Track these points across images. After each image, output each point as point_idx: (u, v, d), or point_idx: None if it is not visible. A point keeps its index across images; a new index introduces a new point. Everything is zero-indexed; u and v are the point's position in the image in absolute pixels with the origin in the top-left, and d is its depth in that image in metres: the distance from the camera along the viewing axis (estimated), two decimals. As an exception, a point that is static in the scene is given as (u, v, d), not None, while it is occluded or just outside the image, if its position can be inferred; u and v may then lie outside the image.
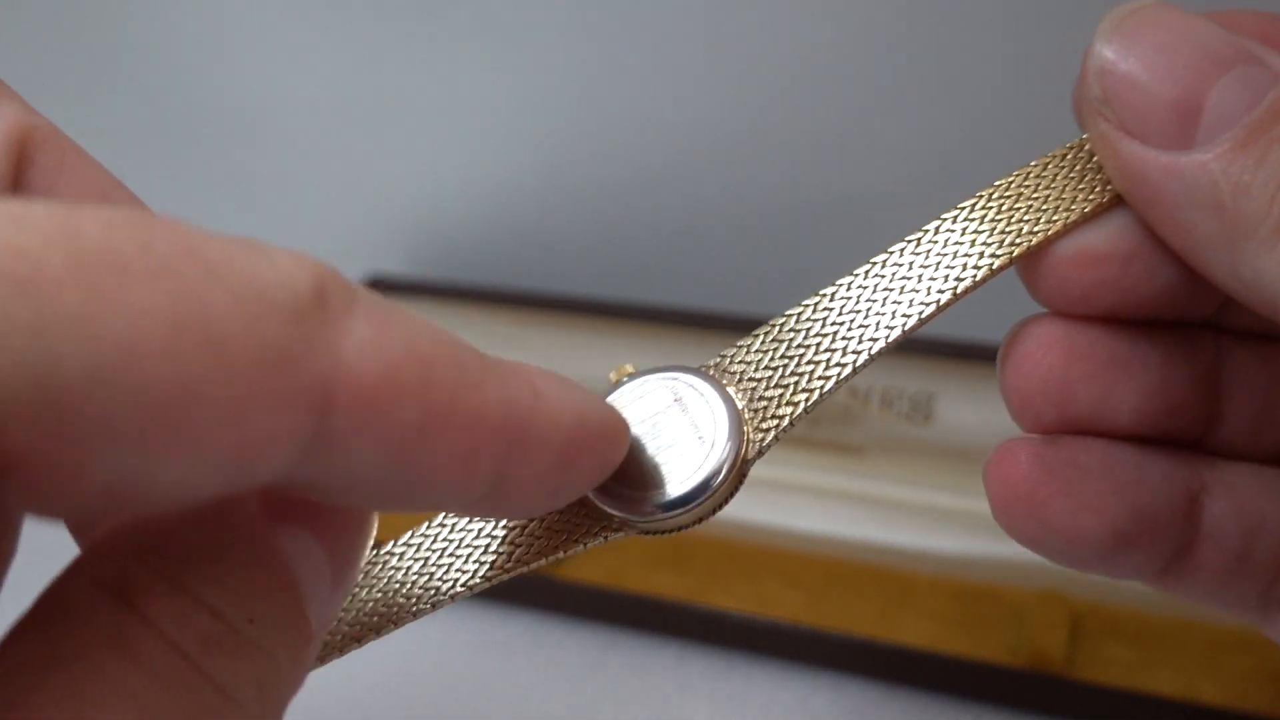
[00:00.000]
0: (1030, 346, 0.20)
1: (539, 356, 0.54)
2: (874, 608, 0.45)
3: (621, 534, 0.19)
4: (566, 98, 0.54)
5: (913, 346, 0.45)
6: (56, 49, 0.62)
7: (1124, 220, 0.19)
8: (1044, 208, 0.19)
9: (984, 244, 0.20)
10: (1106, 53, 0.18)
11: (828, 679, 0.43)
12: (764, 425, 0.20)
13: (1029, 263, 0.20)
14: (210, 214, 0.62)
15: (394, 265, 0.60)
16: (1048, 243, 0.19)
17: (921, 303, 0.20)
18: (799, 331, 0.20)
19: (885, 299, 0.20)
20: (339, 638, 0.19)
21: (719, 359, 0.20)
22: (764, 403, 0.20)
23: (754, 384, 0.20)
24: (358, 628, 0.19)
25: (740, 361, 0.20)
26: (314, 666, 0.16)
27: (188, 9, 0.59)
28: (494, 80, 0.55)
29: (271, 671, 0.14)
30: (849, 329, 0.20)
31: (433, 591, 0.19)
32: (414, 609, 0.19)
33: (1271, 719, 0.37)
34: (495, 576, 0.19)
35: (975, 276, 0.19)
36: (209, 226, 0.13)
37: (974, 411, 0.46)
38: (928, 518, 0.47)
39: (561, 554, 0.19)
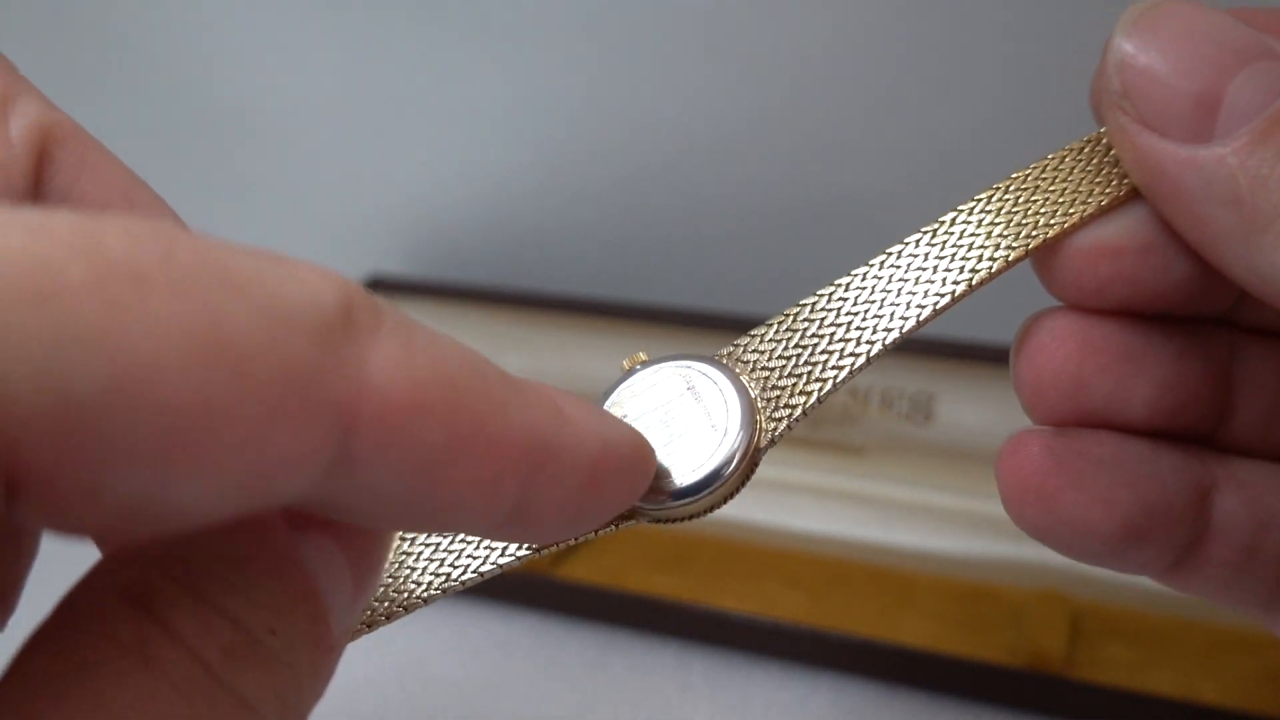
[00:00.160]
0: (1044, 339, 0.20)
1: (539, 356, 0.54)
2: (874, 608, 0.45)
3: (633, 521, 0.19)
4: (567, 98, 0.54)
5: (913, 346, 0.45)
6: (56, 49, 0.62)
7: (1140, 214, 0.19)
8: (1060, 200, 0.19)
9: (999, 236, 0.20)
10: (1126, 46, 0.18)
11: (828, 679, 0.43)
12: (777, 414, 0.20)
13: (1044, 255, 0.20)
14: (210, 214, 0.62)
15: (394, 265, 0.60)
16: (1064, 235, 0.19)
17: (936, 294, 0.20)
18: (813, 321, 0.20)
19: (900, 289, 0.20)
20: (355, 625, 0.19)
21: (732, 348, 0.20)
22: (777, 392, 0.20)
23: (767, 373, 0.20)
24: (369, 614, 0.19)
25: (753, 350, 0.20)
26: None
27: (188, 9, 0.59)
28: (494, 80, 0.55)
29: (293, 682, 0.14)
30: (863, 319, 0.20)
31: (444, 577, 0.19)
32: (425, 595, 0.19)
33: (1271, 719, 0.37)
34: (507, 562, 0.19)
35: (990, 268, 0.19)
36: (209, 227, 0.12)
37: (974, 411, 0.46)
38: (928, 518, 0.47)
39: (570, 540, 0.19)
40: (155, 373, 0.11)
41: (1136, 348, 0.20)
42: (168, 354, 0.11)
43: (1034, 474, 0.20)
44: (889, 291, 0.20)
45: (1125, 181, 0.19)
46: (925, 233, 0.20)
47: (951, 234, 0.20)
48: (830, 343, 0.20)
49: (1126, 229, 0.19)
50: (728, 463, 0.19)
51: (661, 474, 0.19)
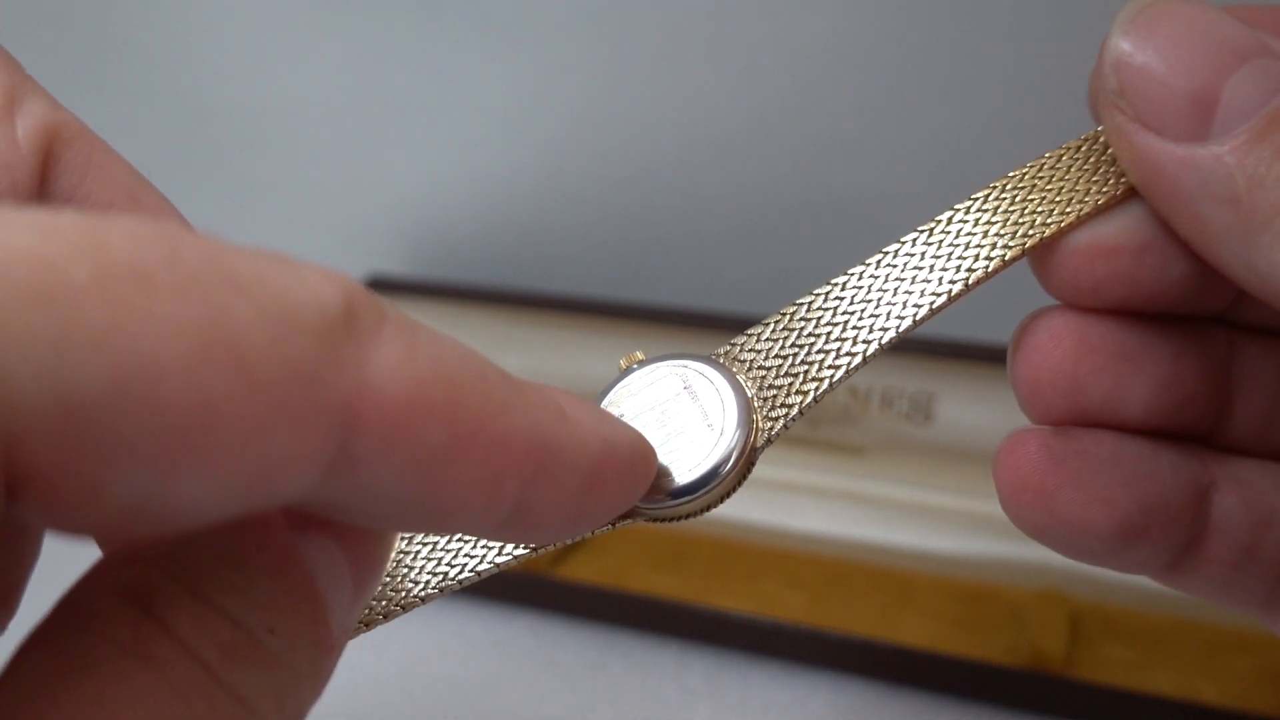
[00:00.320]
0: (1041, 338, 0.20)
1: (539, 356, 0.54)
2: (874, 608, 0.45)
3: (631, 521, 0.19)
4: (567, 98, 0.54)
5: (913, 346, 0.45)
6: (57, 49, 0.62)
7: (1138, 213, 0.19)
8: (1058, 199, 0.19)
9: (997, 235, 0.20)
10: (1123, 45, 0.18)
11: (828, 679, 0.43)
12: (773, 413, 0.20)
13: (1042, 254, 0.20)
14: (212, 214, 0.62)
15: (394, 265, 0.60)
16: (1061, 234, 0.19)
17: (933, 293, 0.20)
18: (809, 320, 0.20)
19: (897, 288, 0.20)
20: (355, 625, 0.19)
21: (729, 347, 0.20)
22: (773, 391, 0.20)
23: (764, 372, 0.20)
24: (367, 613, 0.19)
25: (750, 350, 0.20)
26: None
27: (189, 9, 0.59)
28: (494, 80, 0.55)
29: (291, 682, 0.14)
30: (860, 318, 0.20)
31: (441, 577, 0.19)
32: (423, 594, 0.19)
33: (1272, 719, 0.37)
34: (504, 562, 0.19)
35: (988, 267, 0.19)
36: (209, 227, 0.12)
37: (974, 411, 0.46)
38: (928, 518, 0.47)
39: (570, 539, 0.19)
40: (158, 372, 0.11)
41: (1134, 347, 0.20)
42: (170, 354, 0.11)
43: (1032, 473, 0.20)
44: (885, 291, 0.20)
45: (1123, 180, 0.19)
46: (922, 232, 0.20)
47: (948, 233, 0.20)
48: (827, 342, 0.20)
49: (1124, 228, 0.19)
50: (724, 461, 0.19)
51: (659, 473, 0.19)
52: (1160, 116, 0.18)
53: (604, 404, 0.20)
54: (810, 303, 0.20)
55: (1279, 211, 0.17)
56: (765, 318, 0.20)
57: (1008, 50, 0.46)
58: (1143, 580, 0.44)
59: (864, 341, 0.20)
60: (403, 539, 0.19)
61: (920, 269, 0.20)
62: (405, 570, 0.19)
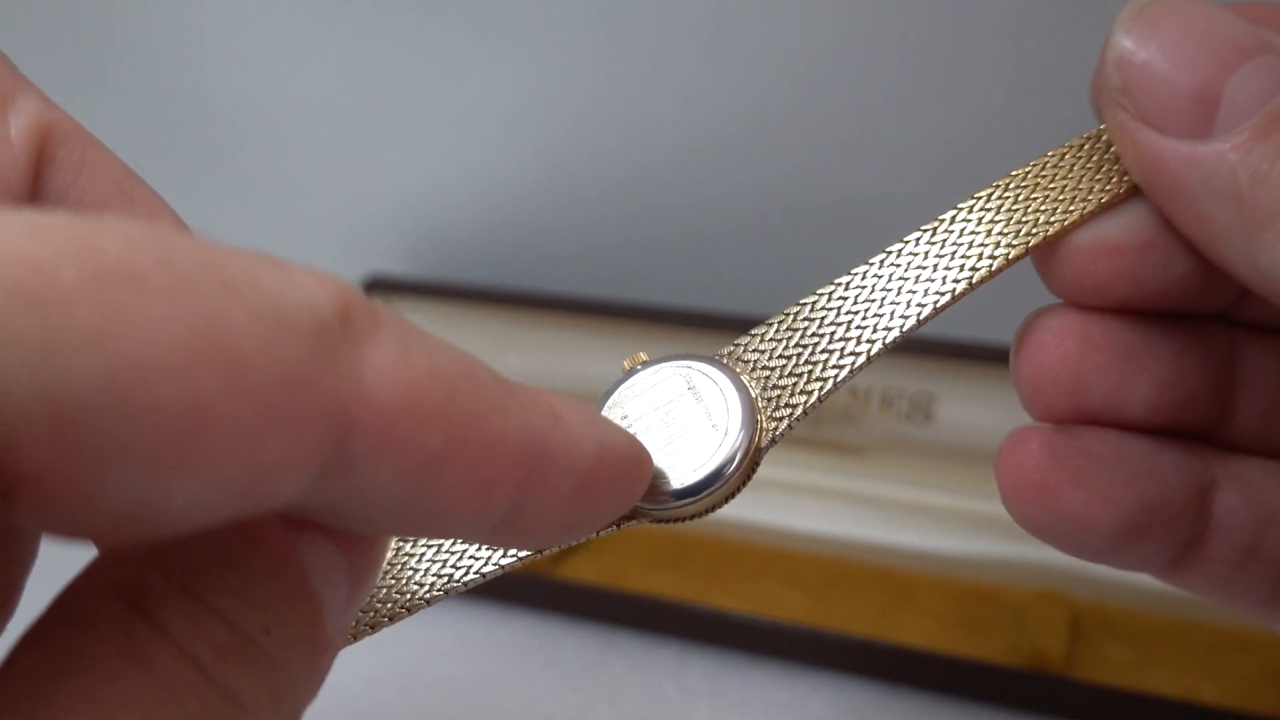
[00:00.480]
0: (1044, 336, 0.20)
1: (539, 356, 0.54)
2: (874, 608, 0.45)
3: (634, 522, 0.19)
4: (567, 98, 0.54)
5: (913, 346, 0.45)
6: (55, 49, 0.62)
7: (1141, 211, 0.19)
8: (1060, 198, 0.19)
9: (1000, 234, 0.20)
10: (1126, 42, 0.18)
11: (828, 679, 0.43)
12: (777, 414, 0.20)
13: (1045, 253, 0.20)
14: (211, 215, 0.62)
15: (394, 265, 0.60)
16: (1064, 233, 0.19)
17: (937, 292, 0.20)
18: (813, 320, 0.20)
19: (900, 288, 0.20)
20: (353, 624, 0.19)
21: (732, 347, 0.20)
22: (777, 391, 0.20)
23: (767, 372, 0.20)
24: (371, 614, 0.19)
25: (754, 350, 0.20)
26: None
27: (189, 9, 0.59)
28: (494, 80, 0.55)
29: (286, 682, 0.14)
30: (863, 318, 0.20)
31: (446, 578, 0.19)
32: (428, 595, 0.19)
33: (1272, 719, 0.37)
34: (509, 563, 0.19)
35: (991, 266, 0.19)
36: (209, 228, 0.12)
37: (974, 411, 0.46)
38: (928, 518, 0.47)
39: (568, 544, 0.19)
40: (150, 374, 0.11)
41: (1137, 345, 0.20)
42: (162, 356, 0.11)
43: (1034, 470, 0.20)
44: (889, 290, 0.20)
45: (1125, 178, 0.19)
46: (925, 231, 0.20)
47: (952, 232, 0.20)
48: (830, 342, 0.20)
49: (1127, 226, 0.19)
50: (729, 462, 0.19)
51: (662, 474, 0.19)
52: (1163, 114, 0.18)
53: (608, 404, 0.20)
54: (814, 302, 0.20)
55: None
56: (766, 318, 0.20)
57: (1008, 50, 0.46)
58: (1143, 580, 0.44)
59: (868, 341, 0.20)
60: (404, 540, 0.19)
61: (924, 268, 0.20)
62: (410, 572, 0.19)
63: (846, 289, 0.20)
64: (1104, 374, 0.20)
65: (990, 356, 0.45)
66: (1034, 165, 0.20)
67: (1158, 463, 0.20)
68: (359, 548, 0.16)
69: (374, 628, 0.19)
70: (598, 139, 0.54)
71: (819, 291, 0.20)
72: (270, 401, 0.11)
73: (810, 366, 0.20)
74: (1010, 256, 0.19)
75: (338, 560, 0.15)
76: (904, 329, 0.20)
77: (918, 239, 0.20)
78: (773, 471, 0.49)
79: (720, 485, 0.19)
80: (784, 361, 0.20)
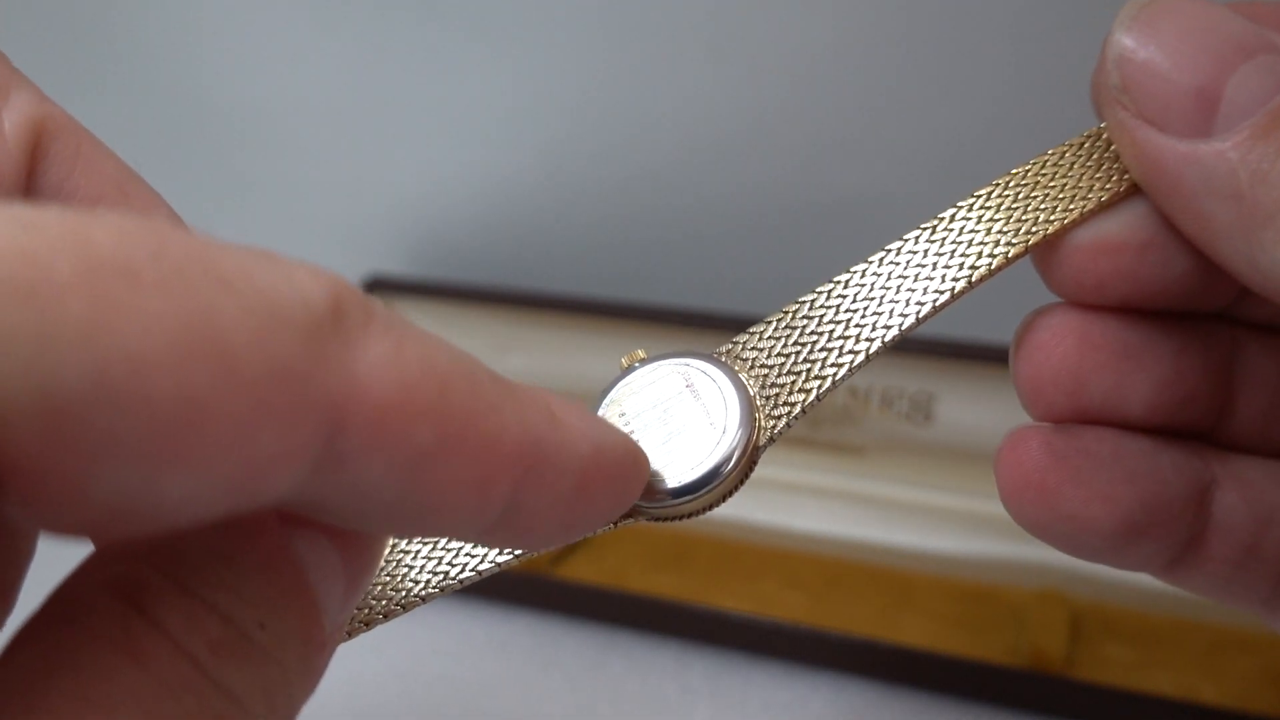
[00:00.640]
0: (1043, 335, 0.20)
1: (539, 356, 0.54)
2: (874, 608, 0.45)
3: (631, 520, 0.19)
4: (567, 98, 0.54)
5: (913, 346, 0.45)
6: (54, 49, 0.62)
7: (1141, 209, 0.19)
8: (1060, 196, 0.19)
9: (999, 232, 0.20)
10: (1126, 40, 0.18)
11: (828, 679, 0.43)
12: (776, 412, 0.20)
13: (1044, 252, 0.20)
14: (210, 214, 0.62)
15: (394, 265, 0.60)
16: (1064, 231, 0.19)
17: (936, 290, 0.19)
18: (812, 318, 0.20)
19: (899, 286, 0.20)
20: (347, 622, 0.18)
21: (731, 345, 0.20)
22: (776, 389, 0.20)
23: (766, 370, 0.20)
24: (367, 612, 0.19)
25: (752, 348, 0.20)
26: None
27: (188, 9, 0.59)
28: (494, 80, 0.55)
29: (281, 679, 0.14)
30: (863, 316, 0.20)
31: (442, 576, 0.19)
32: (423, 593, 0.19)
33: (1272, 719, 0.37)
34: (505, 561, 0.19)
35: (990, 265, 0.19)
36: (209, 227, 0.12)
37: (974, 411, 0.46)
38: (928, 518, 0.47)
39: (563, 543, 0.19)
40: (143, 368, 0.11)
41: (1136, 344, 0.20)
42: (155, 349, 0.11)
43: (1033, 470, 0.20)
44: (888, 289, 0.20)
45: (1125, 177, 0.19)
46: (925, 229, 0.20)
47: (951, 230, 0.20)
48: (829, 340, 0.20)
49: (1126, 225, 0.19)
50: (726, 460, 0.19)
51: (660, 472, 0.19)
52: (1163, 112, 0.18)
53: (606, 402, 0.20)
54: (813, 300, 0.20)
55: None
56: (766, 317, 0.20)
57: (1008, 50, 0.46)
58: (1143, 580, 0.44)
59: (867, 339, 0.20)
60: (400, 538, 0.19)
61: (923, 266, 0.20)
62: (405, 569, 0.19)
63: (845, 287, 0.20)
64: (1103, 373, 0.20)
65: (990, 356, 0.45)
66: (1034, 164, 0.20)
67: (1157, 462, 0.20)
68: (355, 545, 0.15)
69: (369, 625, 0.19)
70: (598, 139, 0.54)
71: (818, 289, 0.20)
72: (263, 396, 0.11)
73: (809, 364, 0.20)
74: (1010, 255, 0.19)
75: (334, 557, 0.15)
76: (903, 327, 0.20)
77: (917, 237, 0.20)
78: (773, 471, 0.49)
79: (718, 483, 0.19)
80: (782, 359, 0.20)
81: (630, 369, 0.20)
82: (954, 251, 0.20)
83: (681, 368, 0.20)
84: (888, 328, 0.20)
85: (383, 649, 0.44)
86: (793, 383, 0.20)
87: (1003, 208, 0.20)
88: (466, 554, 0.19)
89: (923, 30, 0.47)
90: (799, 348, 0.20)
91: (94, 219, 0.11)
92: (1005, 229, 0.20)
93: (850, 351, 0.20)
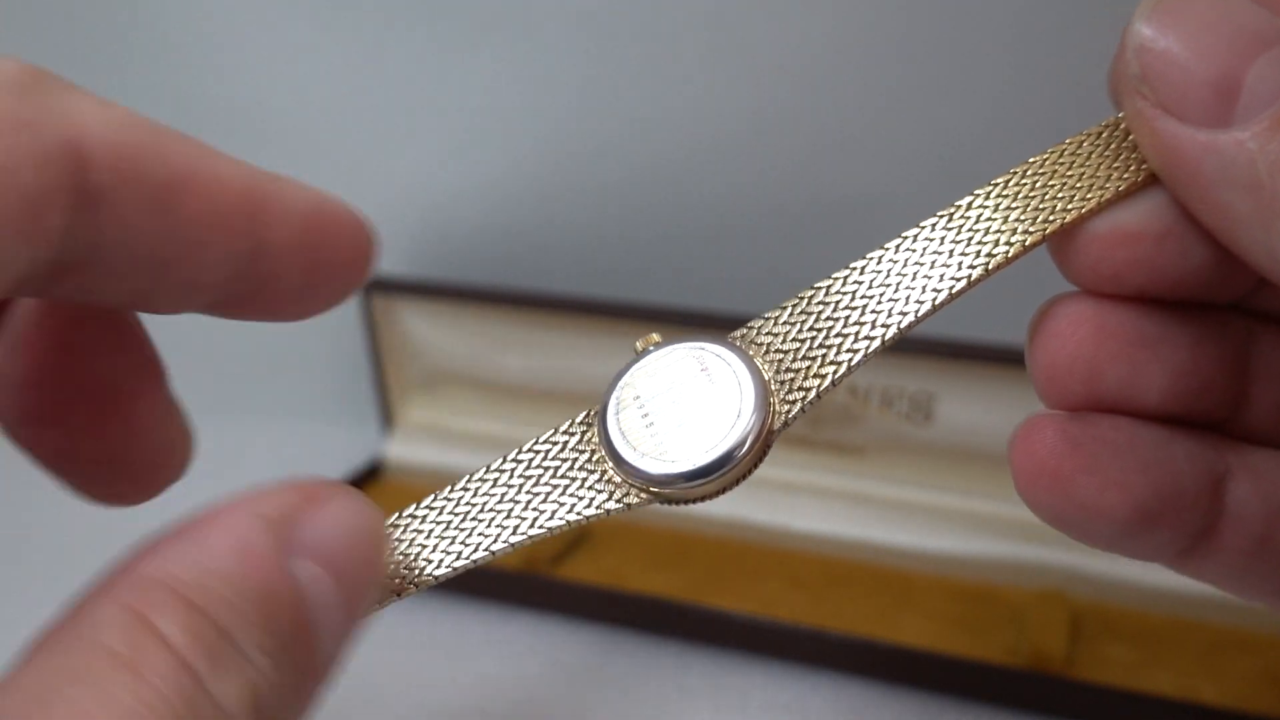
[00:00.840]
0: (1060, 324, 0.20)
1: (539, 356, 0.54)
2: (874, 608, 0.45)
3: (643, 502, 0.19)
4: (567, 98, 0.54)
5: (913, 346, 0.45)
6: (55, 49, 0.61)
7: (1158, 199, 0.19)
8: (1078, 185, 0.19)
9: (1017, 220, 0.20)
10: (1145, 30, 0.18)
11: (828, 679, 0.43)
12: (790, 397, 0.20)
13: (1061, 240, 0.20)
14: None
15: (394, 265, 0.60)
16: (1081, 221, 0.19)
17: (953, 277, 0.19)
18: (828, 304, 0.20)
19: (916, 273, 0.20)
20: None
21: (746, 329, 0.20)
22: (791, 374, 0.20)
23: (781, 355, 0.20)
24: (379, 590, 0.19)
25: (768, 333, 0.20)
26: None
27: (189, 10, 0.59)
28: (494, 81, 0.55)
29: (275, 701, 0.14)
30: (879, 302, 0.20)
31: (454, 555, 0.19)
32: (435, 572, 0.19)
33: (1272, 719, 0.38)
34: (519, 541, 0.19)
35: (1007, 253, 0.19)
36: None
37: (974, 411, 0.46)
38: (928, 518, 0.47)
39: (583, 519, 0.19)
40: None
41: (1152, 334, 0.20)
42: None
43: (1048, 457, 0.20)
44: (904, 275, 0.20)
45: (1143, 167, 0.19)
46: (941, 216, 0.20)
47: (968, 218, 0.20)
48: (845, 326, 0.20)
49: (1144, 214, 0.19)
50: (741, 444, 0.19)
51: (673, 455, 0.19)
52: (1182, 102, 0.18)
53: (620, 385, 0.20)
54: (829, 286, 0.20)
55: None
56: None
57: (1008, 50, 0.46)
58: (1143, 580, 0.44)
59: (882, 325, 0.20)
60: (418, 510, 0.19)
61: (940, 254, 0.20)
62: (419, 549, 0.19)
63: (862, 273, 0.20)
64: (1119, 362, 0.20)
65: (990, 356, 0.45)
66: (1051, 153, 0.20)
67: (1171, 451, 0.20)
68: (351, 571, 0.16)
69: (381, 603, 0.19)
70: (597, 139, 0.54)
71: (834, 275, 0.20)
72: (8, 144, 0.14)
73: (824, 350, 0.20)
74: (1027, 244, 0.19)
75: (331, 587, 0.16)
76: (919, 314, 0.20)
77: (934, 225, 0.20)
78: (773, 471, 0.49)
79: (732, 467, 0.19)
80: (798, 345, 0.20)
81: (645, 352, 0.20)
82: (970, 239, 0.20)
83: (696, 351, 0.20)
84: (903, 314, 0.20)
85: (383, 649, 0.44)
86: (808, 368, 0.20)
87: (1020, 196, 0.20)
88: (479, 534, 0.19)
89: (922, 30, 0.47)
90: (814, 333, 0.20)
91: None
92: (1022, 217, 0.20)
93: (865, 338, 0.20)
